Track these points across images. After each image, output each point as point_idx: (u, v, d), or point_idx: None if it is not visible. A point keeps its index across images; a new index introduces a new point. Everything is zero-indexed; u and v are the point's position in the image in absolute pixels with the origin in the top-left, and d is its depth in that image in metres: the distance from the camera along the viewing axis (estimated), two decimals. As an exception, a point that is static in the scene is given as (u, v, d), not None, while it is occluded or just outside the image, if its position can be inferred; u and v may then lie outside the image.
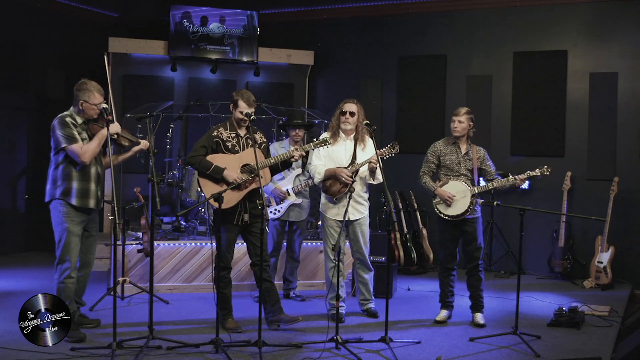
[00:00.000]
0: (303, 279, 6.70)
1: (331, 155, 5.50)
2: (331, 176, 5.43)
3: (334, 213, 5.47)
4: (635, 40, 7.41)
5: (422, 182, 5.54)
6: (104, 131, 4.75)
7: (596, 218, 5.72)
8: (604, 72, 7.55)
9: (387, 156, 5.35)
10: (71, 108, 4.89)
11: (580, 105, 7.65)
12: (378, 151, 5.22)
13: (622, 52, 7.47)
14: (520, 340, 4.91)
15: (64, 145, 4.72)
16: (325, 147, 5.26)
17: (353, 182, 5.34)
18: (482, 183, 5.49)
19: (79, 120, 4.84)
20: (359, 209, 5.51)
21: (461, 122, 5.43)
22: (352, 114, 5.48)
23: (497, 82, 8.11)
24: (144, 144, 5.00)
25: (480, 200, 5.36)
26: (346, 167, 5.42)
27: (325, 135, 5.53)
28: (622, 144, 7.44)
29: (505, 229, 7.84)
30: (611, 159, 7.46)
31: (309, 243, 6.76)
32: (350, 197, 4.93)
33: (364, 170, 5.42)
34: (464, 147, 5.47)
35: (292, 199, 6.05)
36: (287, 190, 6.04)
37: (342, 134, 5.53)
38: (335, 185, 5.42)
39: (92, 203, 4.87)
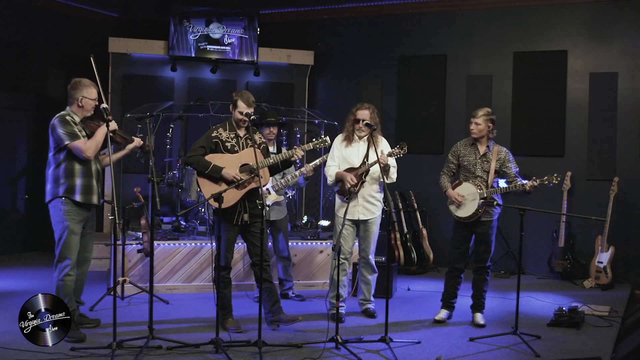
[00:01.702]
0: (303, 279, 6.70)
1: (345, 156, 5.56)
2: (340, 179, 5.50)
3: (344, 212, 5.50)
4: (635, 40, 7.41)
5: (440, 181, 5.56)
6: (104, 128, 4.78)
7: (596, 218, 5.71)
8: (604, 72, 7.55)
9: (396, 156, 5.39)
10: (67, 108, 4.93)
11: (580, 105, 7.65)
12: (388, 151, 5.32)
13: (622, 52, 7.47)
14: (520, 340, 4.91)
15: (67, 143, 4.75)
16: (325, 146, 5.28)
17: (361, 182, 5.38)
18: (498, 185, 5.45)
19: (77, 118, 4.89)
20: (370, 209, 5.53)
21: (478, 124, 5.39)
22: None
23: (497, 82, 8.11)
24: (137, 141, 5.07)
25: (480, 201, 5.32)
26: (357, 167, 5.46)
27: (339, 137, 5.63)
28: (622, 144, 7.44)
29: (505, 229, 7.83)
30: (611, 159, 7.46)
31: (309, 243, 6.76)
32: (349, 199, 4.94)
33: (376, 170, 5.44)
34: (482, 149, 5.44)
35: (274, 197, 6.04)
36: (268, 189, 6.03)
37: (355, 137, 5.56)
38: (345, 186, 5.47)
39: (95, 199, 4.94)
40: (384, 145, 5.54)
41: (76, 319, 4.87)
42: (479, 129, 5.39)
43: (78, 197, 4.82)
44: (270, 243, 6.23)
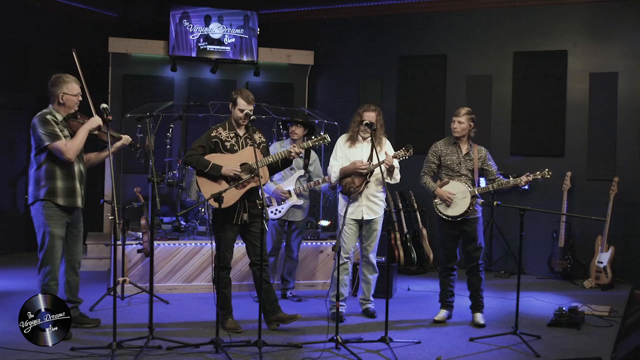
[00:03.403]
0: (303, 279, 6.70)
1: (348, 156, 5.57)
2: (347, 174, 5.48)
3: (349, 212, 5.52)
4: (635, 40, 7.41)
5: (422, 182, 5.57)
6: (86, 126, 4.72)
7: (596, 218, 5.72)
8: (604, 72, 7.55)
9: (401, 158, 5.41)
10: (50, 106, 4.82)
11: (580, 105, 7.65)
12: (392, 153, 5.34)
13: (622, 52, 7.47)
14: (520, 340, 4.91)
15: (47, 144, 4.64)
16: (325, 143, 5.27)
17: (365, 182, 5.41)
18: (483, 184, 5.49)
19: (59, 117, 4.78)
20: (373, 209, 5.54)
21: (461, 122, 5.44)
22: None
23: (497, 82, 8.11)
24: (125, 138, 4.95)
25: (480, 201, 5.37)
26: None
27: (343, 137, 5.64)
28: (622, 144, 7.44)
29: (505, 229, 7.84)
30: (611, 159, 7.46)
31: (309, 243, 6.76)
32: (353, 199, 4.94)
33: (379, 171, 5.44)
34: (464, 147, 5.48)
35: (294, 200, 6.07)
36: (289, 190, 6.06)
37: (359, 137, 5.57)
38: (351, 184, 5.46)
39: (78, 202, 4.83)
40: (387, 147, 5.56)
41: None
42: (462, 127, 5.43)
43: (60, 201, 4.70)
44: (283, 242, 6.28)
